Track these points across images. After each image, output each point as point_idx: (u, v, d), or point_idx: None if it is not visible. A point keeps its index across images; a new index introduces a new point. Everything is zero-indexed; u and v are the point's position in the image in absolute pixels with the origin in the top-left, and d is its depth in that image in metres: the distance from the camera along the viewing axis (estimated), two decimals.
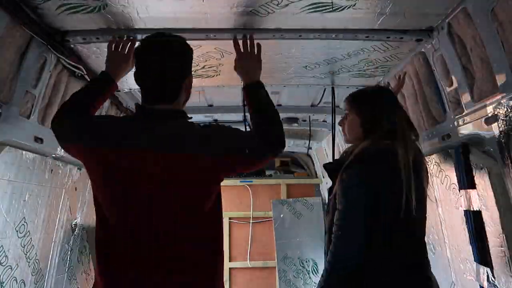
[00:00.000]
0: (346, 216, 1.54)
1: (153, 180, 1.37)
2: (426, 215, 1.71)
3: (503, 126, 1.69)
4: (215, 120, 4.38)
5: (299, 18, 1.99)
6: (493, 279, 1.92)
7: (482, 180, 1.94)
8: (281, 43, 2.30)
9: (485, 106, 1.81)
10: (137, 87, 3.23)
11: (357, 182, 1.56)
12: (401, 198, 1.51)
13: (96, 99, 1.74)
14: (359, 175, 1.58)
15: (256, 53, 1.89)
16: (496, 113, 1.73)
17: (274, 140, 1.57)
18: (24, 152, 2.15)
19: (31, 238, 2.31)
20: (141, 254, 1.34)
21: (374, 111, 1.75)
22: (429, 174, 1.80)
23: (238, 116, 3.79)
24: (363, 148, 1.65)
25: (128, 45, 1.97)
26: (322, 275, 1.59)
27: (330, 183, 1.76)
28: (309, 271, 5.18)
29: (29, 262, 2.31)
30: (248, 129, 3.41)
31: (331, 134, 3.85)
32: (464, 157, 2.06)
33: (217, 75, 2.80)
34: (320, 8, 1.90)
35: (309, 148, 5.49)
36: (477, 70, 1.85)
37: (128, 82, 2.88)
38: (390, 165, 1.56)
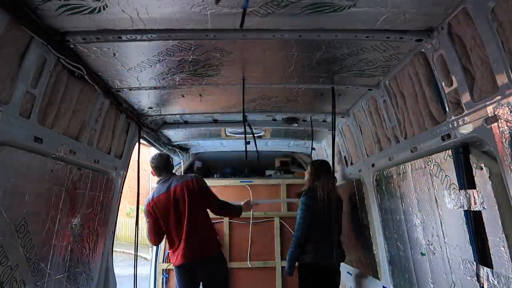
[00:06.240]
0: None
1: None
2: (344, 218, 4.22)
3: (503, 126, 1.70)
4: (215, 120, 4.39)
5: (299, 18, 1.99)
6: (493, 279, 1.92)
7: (482, 180, 1.95)
8: (281, 43, 2.30)
9: (485, 106, 1.81)
10: (136, 86, 3.24)
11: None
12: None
13: None
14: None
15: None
16: (496, 113, 1.73)
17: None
18: (24, 152, 2.15)
19: (31, 238, 2.31)
20: None
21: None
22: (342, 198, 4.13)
23: (238, 116, 3.80)
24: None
25: None
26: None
27: None
28: None
29: (29, 262, 2.31)
30: (248, 129, 3.42)
31: (331, 134, 3.86)
32: (464, 157, 2.06)
33: (217, 74, 2.80)
34: (320, 8, 1.90)
35: (313, 148, 5.49)
36: (477, 70, 1.85)
37: (129, 82, 2.89)
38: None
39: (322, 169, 4.01)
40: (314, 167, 4.10)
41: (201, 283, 3.99)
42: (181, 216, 3.82)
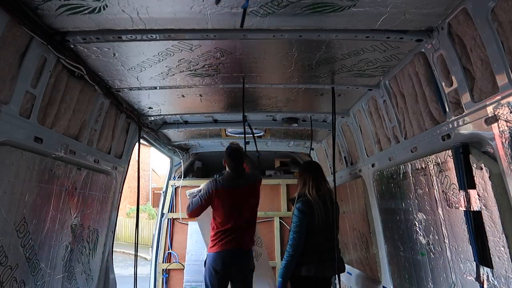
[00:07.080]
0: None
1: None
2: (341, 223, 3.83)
3: (503, 126, 1.70)
4: (215, 120, 4.39)
5: (299, 18, 1.99)
6: (493, 279, 1.92)
7: (482, 180, 1.95)
8: (281, 43, 2.30)
9: (485, 106, 1.81)
10: (136, 86, 3.24)
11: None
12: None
13: None
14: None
15: None
16: (496, 113, 1.73)
17: None
18: (24, 152, 2.15)
19: (31, 238, 2.31)
20: None
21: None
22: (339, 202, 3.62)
23: (238, 116, 3.80)
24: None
25: None
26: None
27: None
28: None
29: (29, 262, 2.31)
30: (247, 128, 3.41)
31: (331, 134, 3.86)
32: (464, 157, 2.07)
33: (217, 74, 2.80)
34: (320, 8, 1.90)
35: (311, 148, 5.49)
36: (477, 70, 1.85)
37: (129, 82, 2.89)
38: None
39: (308, 171, 3.53)
40: (300, 171, 3.66)
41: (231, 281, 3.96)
42: (242, 210, 3.84)
